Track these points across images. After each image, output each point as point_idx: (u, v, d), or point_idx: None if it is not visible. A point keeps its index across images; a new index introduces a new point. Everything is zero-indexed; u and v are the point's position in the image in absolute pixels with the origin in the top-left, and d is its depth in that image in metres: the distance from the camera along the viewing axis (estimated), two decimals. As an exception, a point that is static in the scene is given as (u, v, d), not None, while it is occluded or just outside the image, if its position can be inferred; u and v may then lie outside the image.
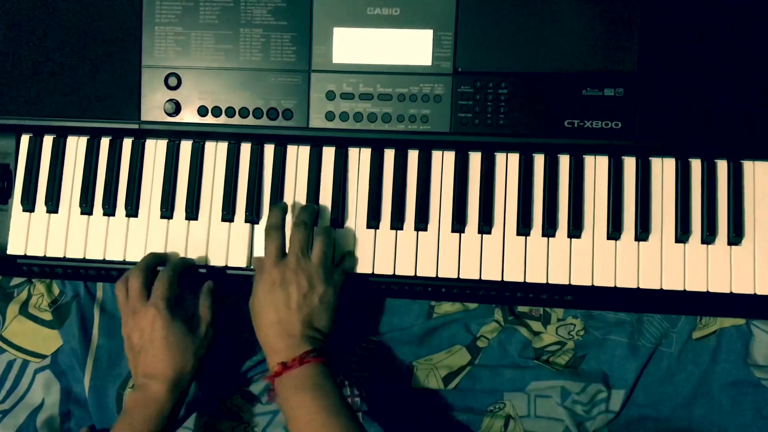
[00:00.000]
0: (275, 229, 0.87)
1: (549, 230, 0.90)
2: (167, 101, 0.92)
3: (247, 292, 0.98)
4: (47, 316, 1.00)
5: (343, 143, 0.93)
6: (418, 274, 0.91)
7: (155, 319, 0.83)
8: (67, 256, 0.94)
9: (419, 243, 0.91)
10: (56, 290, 1.01)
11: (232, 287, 0.93)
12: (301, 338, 0.81)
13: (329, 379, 0.80)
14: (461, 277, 0.90)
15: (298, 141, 0.93)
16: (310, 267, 0.84)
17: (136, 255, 0.93)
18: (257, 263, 0.88)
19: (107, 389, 0.97)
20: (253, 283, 0.87)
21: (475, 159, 0.93)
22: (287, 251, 0.86)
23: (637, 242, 0.90)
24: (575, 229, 0.90)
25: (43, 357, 1.00)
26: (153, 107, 0.93)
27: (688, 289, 0.89)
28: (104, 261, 0.93)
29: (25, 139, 0.96)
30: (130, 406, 0.83)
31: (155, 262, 0.90)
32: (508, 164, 0.92)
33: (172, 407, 0.83)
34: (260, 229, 0.93)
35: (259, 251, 0.92)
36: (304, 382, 0.79)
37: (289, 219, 0.90)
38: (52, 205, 0.95)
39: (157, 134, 0.95)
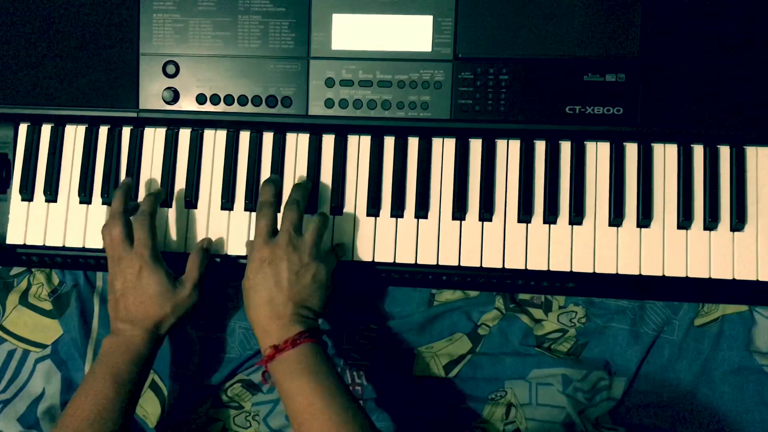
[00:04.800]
0: (267, 206, 0.86)
1: (550, 217, 0.90)
2: (165, 89, 0.92)
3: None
4: (47, 306, 1.00)
5: (342, 131, 0.93)
6: (418, 262, 0.90)
7: (138, 267, 0.84)
8: (67, 245, 0.94)
9: (420, 231, 0.91)
10: (56, 280, 1.01)
11: (233, 275, 0.93)
12: (292, 318, 0.80)
13: (323, 359, 0.79)
14: (462, 264, 0.90)
15: (298, 129, 0.93)
16: (302, 245, 0.83)
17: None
18: (249, 247, 0.87)
19: (108, 378, 0.97)
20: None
21: (475, 146, 0.92)
22: (279, 229, 0.85)
23: (639, 229, 0.89)
24: (576, 216, 0.89)
25: (44, 347, 1.00)
26: (151, 95, 0.92)
27: (690, 275, 0.88)
28: (103, 250, 0.92)
29: (23, 128, 0.96)
30: (106, 349, 0.83)
31: (126, 201, 0.88)
32: (509, 151, 0.92)
33: (147, 352, 0.84)
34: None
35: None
36: (299, 365, 0.78)
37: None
38: (51, 195, 0.94)
39: (155, 122, 0.94)
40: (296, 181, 0.92)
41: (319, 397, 0.75)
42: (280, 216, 0.88)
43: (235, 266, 0.92)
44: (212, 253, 0.91)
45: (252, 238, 0.91)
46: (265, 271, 0.82)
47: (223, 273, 0.93)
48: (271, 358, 0.79)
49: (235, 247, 0.92)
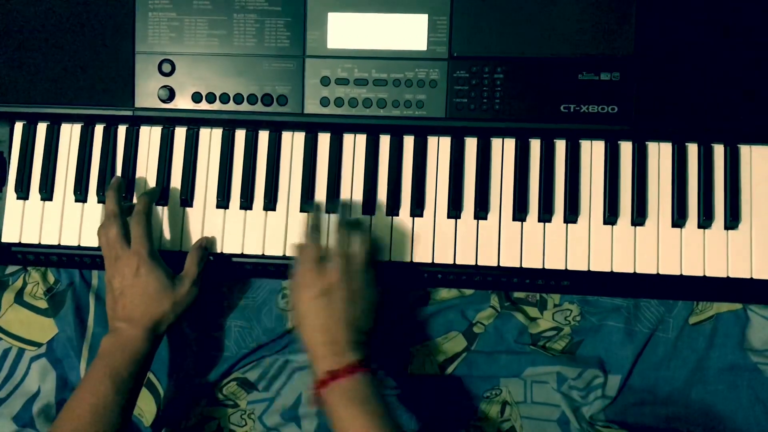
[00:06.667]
0: (315, 232, 0.85)
1: (545, 215, 0.90)
2: (161, 88, 0.92)
3: (243, 279, 0.98)
4: (42, 305, 1.00)
5: (338, 129, 0.93)
6: (414, 261, 0.90)
7: (136, 265, 0.84)
8: (62, 243, 0.94)
9: (415, 229, 0.91)
10: (51, 278, 1.01)
11: (228, 274, 0.93)
12: (347, 345, 0.80)
13: (376, 390, 0.79)
14: (457, 262, 0.90)
15: (293, 127, 0.93)
16: (352, 272, 0.82)
17: (131, 242, 0.92)
18: (298, 253, 0.85)
19: (103, 377, 0.96)
20: (291, 274, 0.85)
21: (471, 144, 0.92)
22: (330, 255, 0.83)
23: (633, 227, 0.89)
24: (571, 215, 0.90)
25: (39, 345, 0.99)
26: (147, 94, 0.92)
27: (684, 273, 0.88)
28: (99, 249, 0.92)
29: (18, 127, 0.96)
30: (105, 349, 0.83)
31: (120, 200, 0.88)
32: (504, 150, 0.92)
33: (147, 351, 0.84)
34: (254, 215, 0.92)
35: (253, 238, 0.91)
36: (354, 395, 0.77)
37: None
38: (47, 193, 0.94)
39: (151, 121, 0.94)
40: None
41: (373, 429, 0.75)
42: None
43: (231, 265, 0.92)
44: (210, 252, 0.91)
45: (246, 236, 0.91)
46: (319, 302, 0.81)
47: (218, 271, 0.93)
48: (324, 384, 0.79)
49: (231, 246, 0.92)
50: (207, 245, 0.91)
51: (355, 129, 0.93)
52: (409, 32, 0.89)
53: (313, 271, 0.82)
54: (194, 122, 0.94)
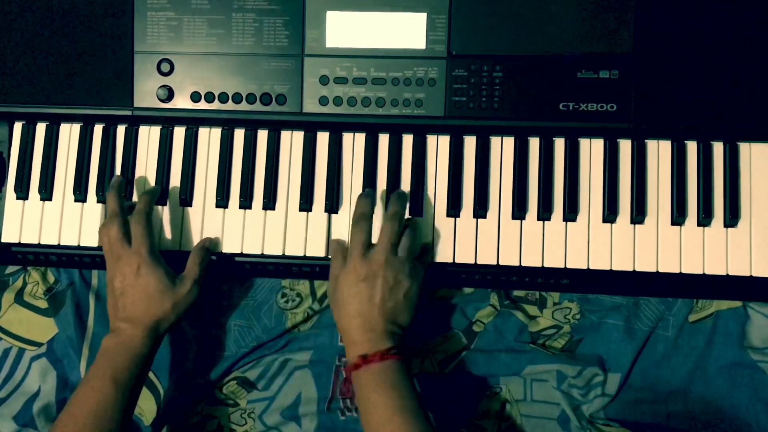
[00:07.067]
0: (364, 219, 0.85)
1: (544, 214, 0.90)
2: (160, 87, 0.92)
3: (243, 279, 0.98)
4: (42, 304, 1.00)
5: (337, 128, 0.93)
6: (413, 259, 0.90)
7: (137, 265, 0.84)
8: (62, 243, 0.94)
9: (414, 228, 0.91)
10: (51, 278, 1.01)
11: (228, 273, 0.93)
12: (382, 333, 0.81)
13: (408, 379, 0.79)
14: (457, 261, 0.90)
15: (292, 126, 0.93)
16: (397, 262, 0.82)
17: (130, 242, 0.92)
18: (336, 248, 0.87)
19: (103, 376, 0.97)
20: (330, 266, 0.86)
21: (469, 143, 0.92)
22: (377, 243, 0.84)
23: (632, 225, 0.89)
24: (571, 213, 0.89)
25: (39, 345, 1.00)
26: (146, 93, 0.92)
27: (684, 271, 0.88)
28: (99, 248, 0.92)
29: (18, 127, 0.96)
30: (105, 349, 0.83)
31: (121, 199, 0.88)
32: (503, 148, 0.92)
33: (147, 351, 0.84)
34: (253, 214, 0.92)
35: (253, 237, 0.92)
36: (383, 380, 0.78)
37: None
38: (46, 193, 0.94)
39: (150, 120, 0.94)
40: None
41: (399, 415, 0.76)
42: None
43: (230, 264, 0.92)
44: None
45: (246, 235, 0.91)
46: (360, 287, 0.82)
47: (218, 271, 0.93)
48: (357, 367, 0.79)
49: (230, 245, 0.92)
50: (210, 246, 0.91)
51: (354, 128, 0.93)
52: (407, 31, 0.89)
53: (359, 258, 0.83)
54: (193, 122, 0.94)
